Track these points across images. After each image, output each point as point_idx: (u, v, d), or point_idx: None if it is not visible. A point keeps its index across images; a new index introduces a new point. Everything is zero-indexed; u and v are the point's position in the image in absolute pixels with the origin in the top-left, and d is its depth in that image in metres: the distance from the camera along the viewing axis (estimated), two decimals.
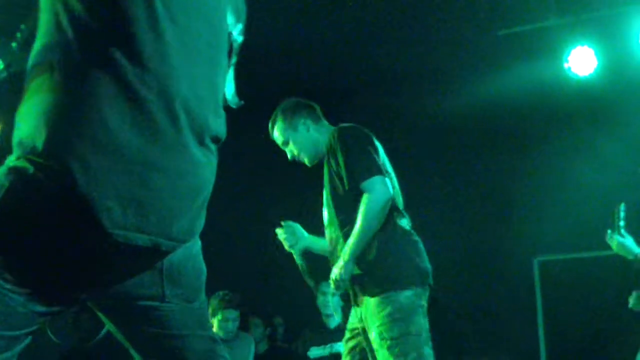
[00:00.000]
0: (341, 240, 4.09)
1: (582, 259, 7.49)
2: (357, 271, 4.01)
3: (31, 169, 1.88)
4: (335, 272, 4.02)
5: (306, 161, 4.35)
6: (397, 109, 7.45)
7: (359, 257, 3.99)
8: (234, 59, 2.32)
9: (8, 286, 1.92)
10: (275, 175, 6.80)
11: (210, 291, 2.41)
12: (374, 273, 3.99)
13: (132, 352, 2.25)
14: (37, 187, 1.89)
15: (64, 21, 1.95)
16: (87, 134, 1.88)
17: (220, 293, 6.46)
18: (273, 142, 4.34)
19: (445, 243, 6.97)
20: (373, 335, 3.94)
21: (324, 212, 4.30)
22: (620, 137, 7.17)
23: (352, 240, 3.98)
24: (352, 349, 4.19)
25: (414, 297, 3.95)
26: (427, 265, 4.07)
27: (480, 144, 7.63)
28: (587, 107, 7.45)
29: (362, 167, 4.01)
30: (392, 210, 4.04)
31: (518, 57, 7.43)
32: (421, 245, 4.11)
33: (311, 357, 6.79)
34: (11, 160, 1.93)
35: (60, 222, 1.91)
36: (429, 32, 7.05)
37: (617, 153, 7.11)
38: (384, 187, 3.97)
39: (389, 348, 3.86)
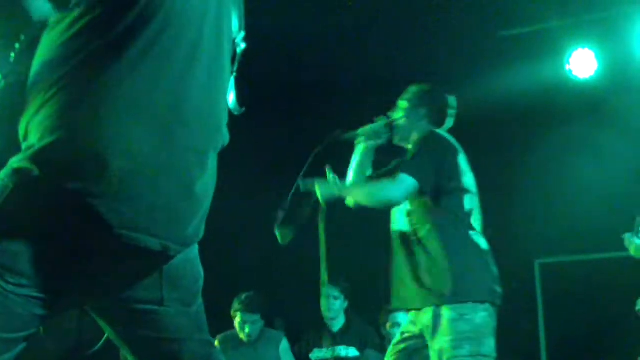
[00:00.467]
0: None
1: (584, 262, 7.49)
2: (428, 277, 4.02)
3: (36, 171, 1.89)
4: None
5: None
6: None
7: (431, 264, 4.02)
8: (235, 66, 2.34)
9: (9, 288, 1.92)
10: (275, 174, 6.82)
11: (210, 292, 2.42)
12: (445, 281, 3.96)
13: (129, 355, 2.26)
14: (42, 189, 1.89)
15: (70, 37, 1.98)
16: (99, 138, 1.90)
17: (243, 295, 6.46)
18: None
19: None
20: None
21: None
22: (622, 139, 7.16)
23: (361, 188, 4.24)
24: (400, 351, 4.17)
25: (488, 317, 3.98)
26: (498, 287, 4.10)
27: (480, 145, 7.59)
28: (588, 109, 7.44)
29: (415, 165, 4.06)
30: (468, 227, 4.09)
31: (519, 58, 7.42)
32: (494, 267, 4.16)
33: (313, 359, 6.79)
34: (15, 162, 1.93)
35: (66, 223, 1.91)
36: (429, 32, 7.04)
37: (618, 155, 7.11)
38: (405, 190, 4.00)
39: None
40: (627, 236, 5.48)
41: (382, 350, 6.57)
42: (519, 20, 7.24)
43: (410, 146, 4.28)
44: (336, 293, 6.88)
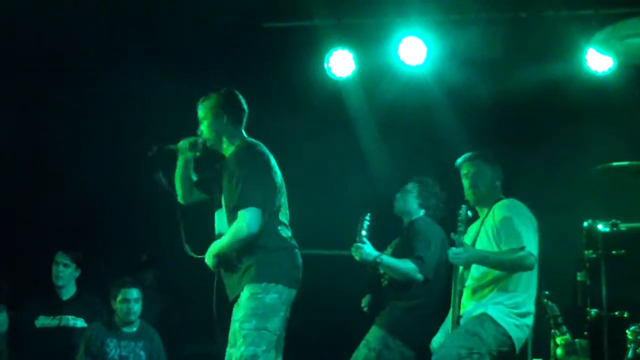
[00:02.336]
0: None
1: (321, 256, 7.68)
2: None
3: None
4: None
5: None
6: None
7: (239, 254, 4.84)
8: None
9: None
10: None
11: None
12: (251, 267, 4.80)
13: None
14: None
15: None
16: None
17: None
18: None
19: None
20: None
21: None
22: (368, 137, 7.52)
23: (219, 244, 4.91)
24: None
25: (278, 299, 4.78)
26: (297, 274, 4.99)
27: None
28: (341, 110, 7.70)
29: (247, 195, 4.79)
30: (275, 220, 4.91)
31: (282, 52, 7.57)
32: (296, 257, 5.02)
33: (37, 326, 6.65)
34: None
35: None
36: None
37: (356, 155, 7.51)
38: (255, 222, 4.75)
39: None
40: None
41: (109, 325, 6.55)
42: (285, 14, 7.37)
43: (228, 153, 5.07)
44: (67, 261, 6.78)
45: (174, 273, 7.82)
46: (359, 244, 5.83)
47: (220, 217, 5.04)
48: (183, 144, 5.07)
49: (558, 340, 5.55)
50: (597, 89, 7.08)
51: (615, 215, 5.02)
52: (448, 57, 7.36)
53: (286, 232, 4.98)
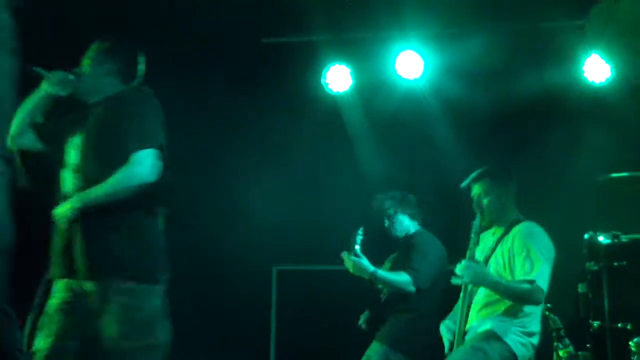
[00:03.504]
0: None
1: (319, 271, 7.67)
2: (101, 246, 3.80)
3: None
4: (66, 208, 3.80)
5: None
6: None
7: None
8: None
9: None
10: None
11: None
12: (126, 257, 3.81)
13: None
14: None
15: None
16: None
17: None
18: None
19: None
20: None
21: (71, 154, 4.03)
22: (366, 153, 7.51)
23: (94, 192, 3.79)
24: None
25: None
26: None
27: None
28: (339, 125, 7.70)
29: (148, 134, 3.88)
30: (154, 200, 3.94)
31: (280, 67, 7.57)
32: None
33: None
34: None
35: None
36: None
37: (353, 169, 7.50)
38: (154, 168, 3.84)
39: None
40: (344, 254, 5.81)
41: None
42: (283, 29, 7.37)
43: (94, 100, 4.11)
44: None
45: None
46: (355, 258, 5.82)
47: (67, 178, 4.00)
48: (54, 74, 4.09)
49: (561, 353, 5.50)
50: (596, 99, 7.08)
51: (616, 227, 4.99)
52: (445, 70, 7.37)
53: None
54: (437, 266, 5.99)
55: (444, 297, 5.85)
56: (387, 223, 6.29)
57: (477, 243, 5.17)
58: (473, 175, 5.45)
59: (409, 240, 6.20)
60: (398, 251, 6.29)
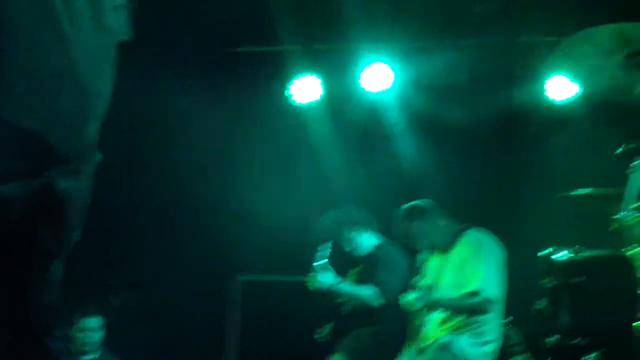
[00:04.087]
0: None
1: (285, 282, 7.65)
2: None
3: None
4: None
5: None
6: None
7: None
8: None
9: None
10: None
11: None
12: None
13: None
14: None
15: None
16: None
17: None
18: None
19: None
20: None
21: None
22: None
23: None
24: None
25: None
26: None
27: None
28: (306, 136, 7.69)
29: None
30: None
31: (244, 77, 7.53)
32: None
33: None
34: None
35: None
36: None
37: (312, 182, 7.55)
38: None
39: None
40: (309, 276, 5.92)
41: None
42: (251, 39, 7.36)
43: None
44: (96, 325, 6.56)
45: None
46: (314, 273, 5.84)
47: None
48: None
49: None
50: (559, 116, 7.16)
51: (576, 243, 5.02)
52: (413, 83, 7.39)
53: None
54: (404, 279, 6.00)
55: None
56: (347, 248, 6.26)
57: (423, 276, 5.28)
58: (397, 218, 5.60)
59: (374, 253, 6.20)
60: (363, 264, 6.27)
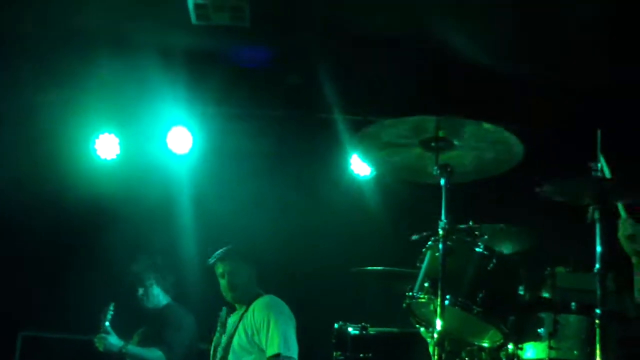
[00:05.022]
0: None
1: (68, 340, 7.41)
2: None
3: None
4: None
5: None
6: None
7: None
8: None
9: None
10: None
11: None
12: None
13: None
14: None
15: None
16: None
17: None
18: None
19: None
20: None
21: None
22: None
23: None
24: None
25: None
26: None
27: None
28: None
29: None
30: None
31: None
32: None
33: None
34: None
35: None
36: None
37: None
38: None
39: None
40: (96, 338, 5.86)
41: None
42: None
43: None
44: None
45: None
46: (103, 334, 5.75)
47: None
48: None
49: None
50: (360, 191, 7.33)
51: (366, 319, 5.13)
52: (214, 148, 7.37)
53: None
54: (189, 339, 6.12)
55: None
56: (140, 291, 6.23)
57: (223, 332, 5.25)
58: (219, 253, 5.52)
59: (159, 313, 6.19)
60: (146, 324, 6.24)
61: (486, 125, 3.85)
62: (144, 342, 6.11)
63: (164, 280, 6.34)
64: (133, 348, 5.95)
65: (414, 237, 4.33)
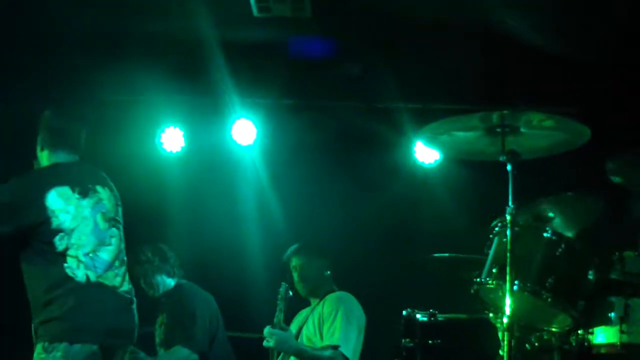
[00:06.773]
0: None
1: None
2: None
3: None
4: None
5: None
6: None
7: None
8: None
9: None
10: None
11: None
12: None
13: None
14: None
15: None
16: None
17: None
18: None
19: None
20: None
21: None
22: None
23: None
24: None
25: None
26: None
27: None
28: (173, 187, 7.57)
29: None
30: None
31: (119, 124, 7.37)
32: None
33: None
34: None
35: None
36: None
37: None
38: None
39: None
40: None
41: None
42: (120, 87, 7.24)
43: None
44: None
45: None
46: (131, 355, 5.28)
47: None
48: None
49: None
50: (424, 179, 7.33)
51: (434, 306, 5.13)
52: (277, 140, 7.43)
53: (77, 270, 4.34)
54: (209, 317, 5.98)
55: None
56: (143, 285, 6.10)
57: (282, 309, 5.26)
58: (292, 248, 5.58)
59: (170, 296, 6.11)
60: (162, 312, 6.13)
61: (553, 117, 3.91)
62: (166, 341, 5.97)
63: (162, 266, 6.14)
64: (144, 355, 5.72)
65: (493, 223, 4.30)
